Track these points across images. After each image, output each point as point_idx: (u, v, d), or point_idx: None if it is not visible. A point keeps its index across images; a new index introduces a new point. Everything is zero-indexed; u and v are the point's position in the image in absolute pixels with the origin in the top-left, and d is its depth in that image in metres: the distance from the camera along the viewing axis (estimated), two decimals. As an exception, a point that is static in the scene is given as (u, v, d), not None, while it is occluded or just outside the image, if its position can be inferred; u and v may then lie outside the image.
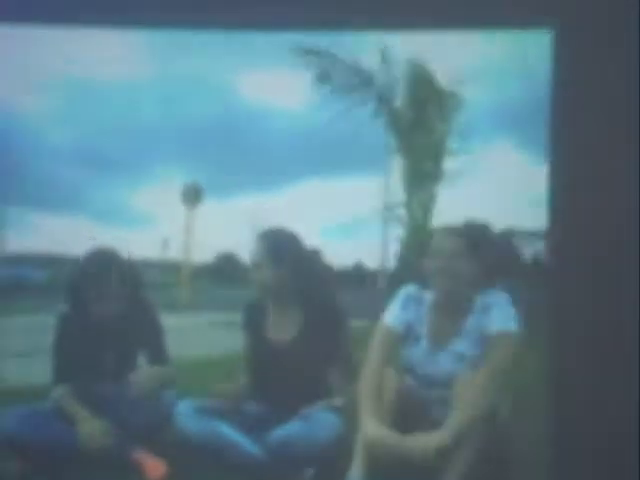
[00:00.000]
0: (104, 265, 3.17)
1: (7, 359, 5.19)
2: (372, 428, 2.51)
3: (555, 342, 1.81)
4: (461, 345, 2.78)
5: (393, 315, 2.87)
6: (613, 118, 1.78)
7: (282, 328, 3.16)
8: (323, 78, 6.95)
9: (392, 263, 8.70)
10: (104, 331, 3.13)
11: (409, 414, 2.66)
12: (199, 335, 7.90)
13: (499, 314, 2.69)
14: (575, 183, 1.78)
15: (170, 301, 15.97)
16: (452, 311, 2.83)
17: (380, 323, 2.89)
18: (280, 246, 3.17)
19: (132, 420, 2.97)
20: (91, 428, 2.87)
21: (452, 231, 2.84)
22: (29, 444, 2.84)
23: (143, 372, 3.16)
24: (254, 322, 3.23)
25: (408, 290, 2.93)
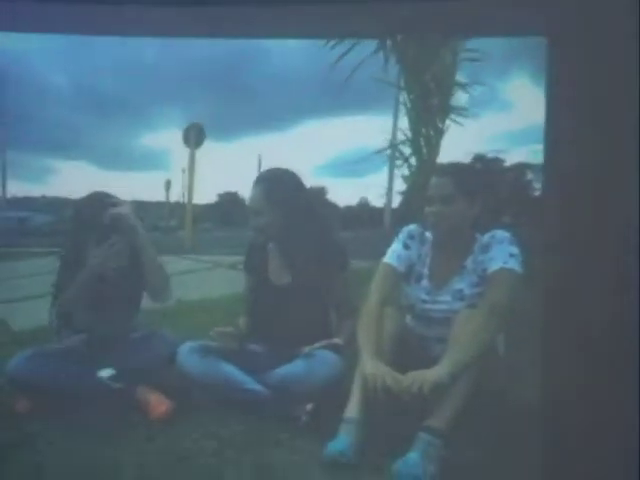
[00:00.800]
0: (99, 208, 3.14)
1: (15, 302, 5.26)
2: (370, 365, 2.54)
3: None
4: (461, 283, 2.81)
5: (395, 254, 2.90)
6: (608, 124, 1.75)
7: (283, 270, 3.19)
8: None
9: (398, 201, 8.69)
10: (105, 276, 3.12)
11: (408, 351, 2.72)
12: (203, 277, 7.95)
13: (499, 252, 2.70)
14: (569, 189, 1.76)
15: (175, 243, 16.07)
16: (452, 251, 2.85)
17: (382, 261, 2.91)
18: (277, 189, 3.15)
19: (136, 359, 3.02)
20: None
21: (444, 173, 2.86)
22: (37, 384, 2.89)
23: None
24: (256, 264, 3.26)
25: (410, 229, 2.95)
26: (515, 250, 2.70)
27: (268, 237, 3.17)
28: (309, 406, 2.70)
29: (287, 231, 3.13)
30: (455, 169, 2.91)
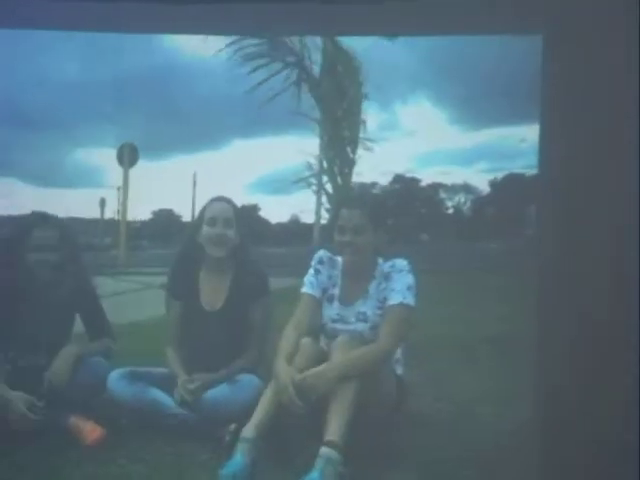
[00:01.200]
0: (39, 219, 3.24)
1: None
2: (282, 368, 2.80)
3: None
4: (364, 307, 3.08)
5: (308, 282, 3.17)
6: (603, 120, 1.84)
7: (215, 296, 3.37)
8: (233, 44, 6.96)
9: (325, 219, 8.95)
10: (38, 291, 3.16)
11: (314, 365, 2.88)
12: (133, 299, 7.99)
13: (398, 283, 2.98)
14: (564, 188, 1.89)
15: (108, 262, 15.95)
16: (358, 275, 3.12)
17: (301, 291, 3.18)
18: (238, 211, 3.45)
19: (67, 388, 3.04)
20: (16, 407, 2.86)
21: (354, 205, 3.11)
22: None
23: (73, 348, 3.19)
24: (185, 289, 3.41)
25: (320, 255, 3.23)
26: (412, 280, 3.00)
27: (227, 251, 3.33)
28: (232, 426, 2.85)
29: (232, 251, 3.36)
30: (364, 201, 3.23)
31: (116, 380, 3.12)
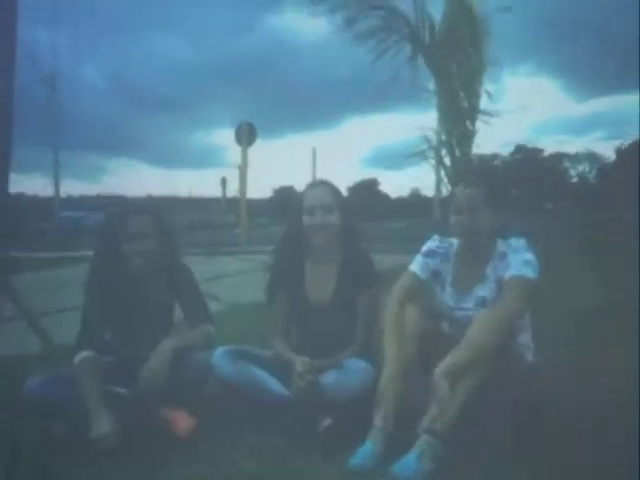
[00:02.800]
0: (132, 207, 3.24)
1: (61, 313, 5.41)
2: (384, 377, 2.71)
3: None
4: (483, 290, 2.88)
5: (418, 263, 3.02)
6: None
7: (321, 288, 3.25)
8: (350, 21, 6.92)
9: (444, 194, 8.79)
10: (136, 281, 3.14)
11: (433, 351, 2.76)
12: (255, 279, 8.04)
13: (514, 260, 2.77)
14: None
15: (231, 240, 16.32)
16: (475, 258, 2.93)
17: (406, 270, 3.05)
18: (340, 193, 3.31)
19: (168, 384, 2.96)
20: (100, 429, 2.74)
21: (473, 184, 2.92)
22: (55, 408, 2.87)
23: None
24: (291, 281, 3.30)
25: (434, 240, 3.07)
26: (530, 256, 2.78)
27: (333, 234, 3.20)
28: (326, 421, 2.80)
29: (340, 236, 3.23)
30: (482, 179, 2.97)
31: (221, 356, 3.06)
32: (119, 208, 3.27)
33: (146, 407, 2.90)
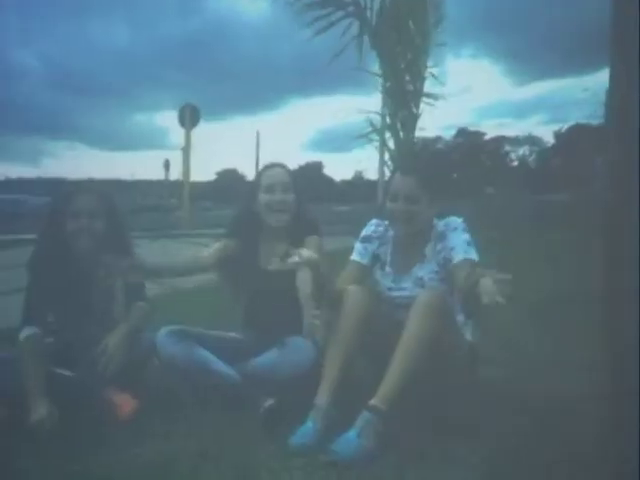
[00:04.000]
0: (76, 186, 3.20)
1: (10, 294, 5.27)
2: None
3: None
4: (421, 271, 2.94)
5: (357, 251, 3.08)
6: None
7: (271, 256, 3.18)
8: None
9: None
10: (80, 260, 3.09)
11: (373, 333, 2.82)
12: None
13: (456, 241, 2.84)
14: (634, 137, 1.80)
15: (173, 222, 16.19)
16: (413, 240, 2.98)
17: (349, 259, 3.10)
18: (294, 175, 3.36)
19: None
20: (39, 412, 2.68)
21: (409, 172, 2.95)
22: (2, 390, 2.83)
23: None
24: (246, 247, 3.31)
25: (371, 224, 3.12)
26: (468, 237, 2.85)
27: (288, 215, 3.24)
28: (268, 402, 2.79)
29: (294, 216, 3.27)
30: (419, 169, 2.98)
31: (164, 337, 3.03)
32: (64, 188, 3.25)
33: (91, 389, 2.87)
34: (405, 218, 2.91)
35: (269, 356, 3.01)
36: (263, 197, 3.22)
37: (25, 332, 2.90)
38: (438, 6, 7.11)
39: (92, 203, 3.07)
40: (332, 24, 6.80)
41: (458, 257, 2.81)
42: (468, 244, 2.83)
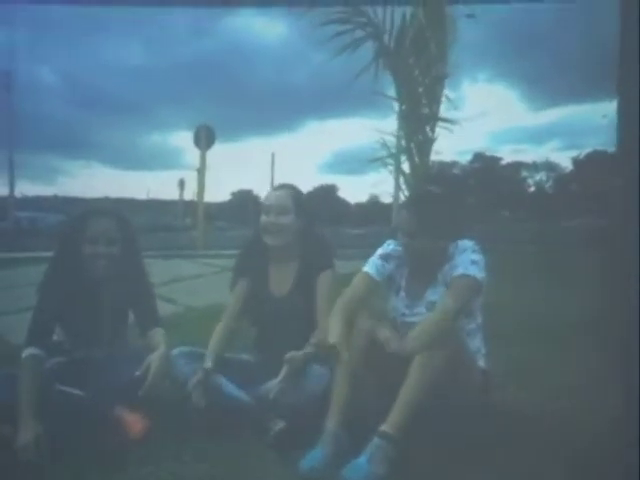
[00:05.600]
0: (94, 210, 3.14)
1: (17, 314, 5.20)
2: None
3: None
4: (434, 295, 2.91)
5: (374, 265, 3.04)
6: None
7: (283, 281, 3.28)
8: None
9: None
10: (95, 284, 3.08)
11: (387, 357, 2.75)
12: (211, 282, 8.04)
13: (461, 260, 2.82)
14: None
15: (188, 243, 16.22)
16: (425, 265, 2.97)
17: (362, 270, 3.06)
18: (301, 197, 3.33)
19: (117, 380, 2.95)
20: (25, 441, 2.62)
21: (408, 207, 3.01)
22: (6, 409, 2.77)
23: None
24: (255, 273, 3.33)
25: (390, 245, 3.09)
26: (477, 257, 2.82)
27: (290, 237, 3.24)
28: (279, 425, 2.79)
29: (298, 237, 3.27)
30: (418, 204, 3.01)
31: (177, 357, 3.06)
32: (82, 209, 3.19)
33: (102, 408, 2.85)
34: (410, 251, 2.95)
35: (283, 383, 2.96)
36: (261, 218, 3.26)
37: (27, 352, 2.87)
38: (453, 29, 7.10)
39: (110, 228, 3.06)
40: (349, 46, 6.80)
41: (457, 273, 2.80)
42: (472, 262, 2.81)
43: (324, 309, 3.10)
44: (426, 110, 6.56)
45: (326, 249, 3.32)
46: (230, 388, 3.00)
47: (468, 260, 2.81)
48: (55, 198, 36.23)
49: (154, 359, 2.94)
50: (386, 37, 6.88)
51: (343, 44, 6.81)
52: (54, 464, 2.56)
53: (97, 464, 2.56)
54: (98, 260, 3.02)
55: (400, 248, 3.05)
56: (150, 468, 2.55)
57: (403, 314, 2.99)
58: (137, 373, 2.88)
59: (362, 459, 2.48)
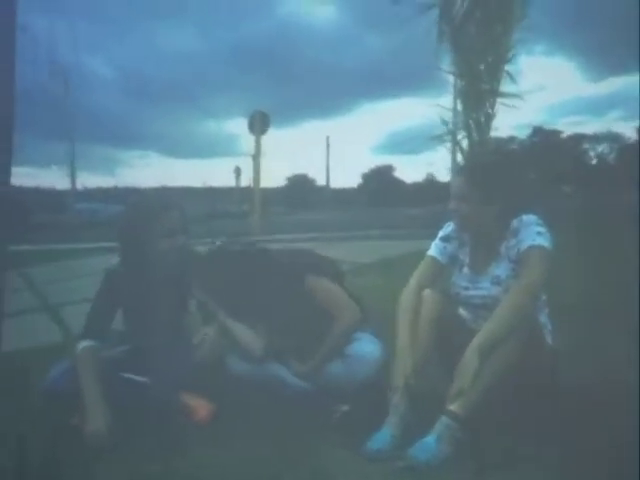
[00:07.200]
0: (166, 202, 3.14)
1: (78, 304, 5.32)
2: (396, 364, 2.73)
3: None
4: (498, 269, 2.87)
5: (437, 248, 3.03)
6: None
7: None
8: None
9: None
10: (162, 275, 3.09)
11: (448, 335, 2.81)
12: None
13: (526, 234, 2.77)
14: None
15: (245, 230, 16.35)
16: (487, 239, 2.93)
17: (426, 254, 3.06)
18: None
19: (180, 367, 2.98)
20: (94, 425, 2.70)
21: (460, 173, 2.96)
22: (74, 398, 2.83)
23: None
24: None
25: (450, 226, 3.05)
26: (542, 229, 2.77)
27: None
28: (343, 408, 2.80)
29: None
30: (470, 170, 2.99)
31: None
32: (145, 203, 3.21)
33: (167, 394, 2.88)
34: (459, 218, 2.91)
35: (333, 368, 3.02)
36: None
37: (81, 344, 2.93)
38: (522, 5, 6.94)
39: (180, 221, 3.07)
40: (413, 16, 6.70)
41: (526, 245, 2.75)
42: (538, 234, 2.76)
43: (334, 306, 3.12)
44: (487, 86, 6.46)
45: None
46: (291, 378, 3.03)
47: (534, 232, 2.76)
48: (114, 189, 36.82)
49: (209, 333, 3.03)
50: (455, 10, 6.78)
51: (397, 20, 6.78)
52: (122, 451, 2.60)
53: (162, 450, 2.59)
54: (172, 253, 3.03)
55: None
56: (215, 451, 2.59)
57: (466, 288, 2.96)
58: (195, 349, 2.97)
59: (430, 438, 2.45)
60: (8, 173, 2.10)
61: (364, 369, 2.97)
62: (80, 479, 2.48)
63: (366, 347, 3.05)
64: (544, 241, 2.74)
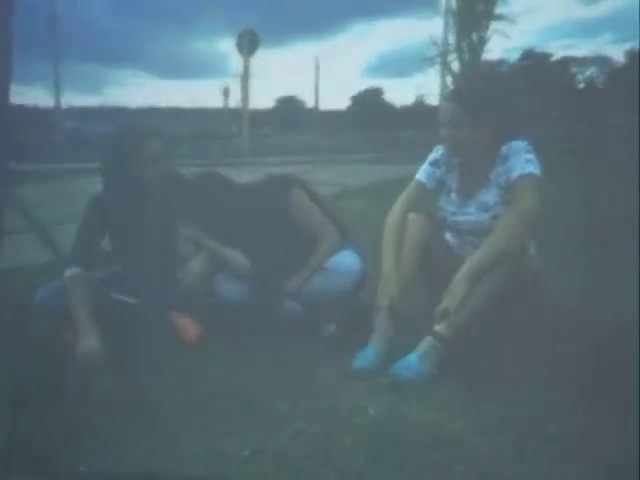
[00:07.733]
0: (148, 130, 3.15)
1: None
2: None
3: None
4: (486, 196, 2.88)
5: (425, 172, 3.02)
6: None
7: None
8: None
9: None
10: (148, 200, 3.12)
11: (433, 258, 2.86)
12: None
13: (516, 161, 2.77)
14: None
15: (233, 151, 16.24)
16: (476, 165, 2.92)
17: (414, 178, 3.06)
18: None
19: (170, 287, 3.04)
20: (88, 346, 2.75)
21: (451, 99, 2.92)
22: (65, 316, 2.89)
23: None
24: None
25: (439, 150, 3.04)
26: (531, 156, 2.78)
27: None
28: (331, 326, 2.91)
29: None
30: (461, 95, 2.94)
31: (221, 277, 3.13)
32: (125, 131, 3.22)
33: (157, 315, 2.94)
34: (451, 142, 2.89)
35: (314, 283, 3.05)
36: None
37: (69, 272, 2.95)
38: None
39: (163, 146, 3.08)
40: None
41: (516, 174, 2.76)
42: (527, 161, 2.76)
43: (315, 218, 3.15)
44: (481, 7, 6.35)
45: None
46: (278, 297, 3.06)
47: (523, 160, 2.77)
48: (101, 108, 36.23)
49: (196, 259, 3.08)
50: None
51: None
52: (114, 368, 2.65)
53: (154, 369, 2.65)
54: (156, 180, 3.04)
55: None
56: (207, 370, 2.64)
57: (453, 213, 2.98)
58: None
59: (413, 356, 2.52)
60: (7, 93, 2.07)
61: (341, 281, 3.02)
62: (76, 394, 2.49)
63: (344, 261, 3.09)
64: (534, 168, 2.74)
